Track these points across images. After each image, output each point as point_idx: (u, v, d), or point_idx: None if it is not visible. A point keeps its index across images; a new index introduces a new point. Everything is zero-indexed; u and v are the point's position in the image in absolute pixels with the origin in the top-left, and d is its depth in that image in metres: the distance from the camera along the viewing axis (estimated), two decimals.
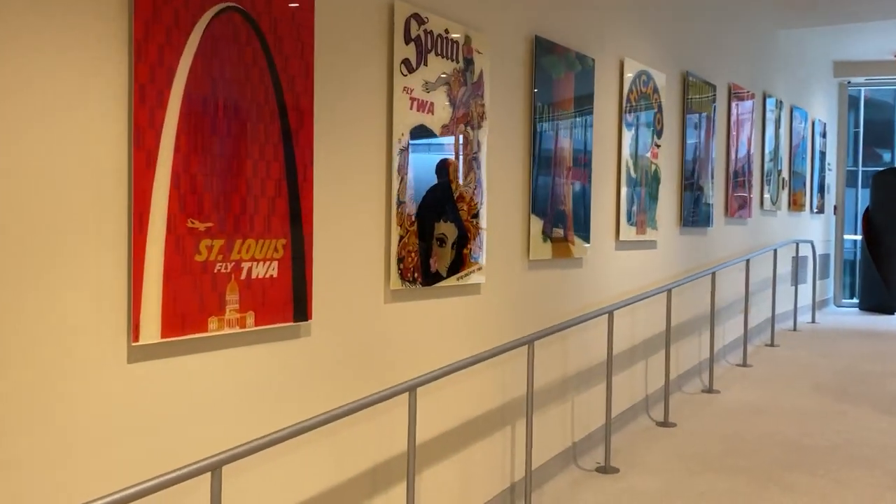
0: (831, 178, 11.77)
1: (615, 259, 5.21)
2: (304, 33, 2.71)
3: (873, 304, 11.49)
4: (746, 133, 7.81)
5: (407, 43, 3.22)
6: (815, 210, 10.76)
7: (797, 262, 9.63)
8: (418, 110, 3.30)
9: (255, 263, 2.55)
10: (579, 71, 4.59)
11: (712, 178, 6.85)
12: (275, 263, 2.62)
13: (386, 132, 3.16)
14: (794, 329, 9.30)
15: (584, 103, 4.67)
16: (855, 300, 12.36)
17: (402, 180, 3.22)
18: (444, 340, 3.54)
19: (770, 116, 8.56)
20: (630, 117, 5.27)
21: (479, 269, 3.74)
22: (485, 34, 3.71)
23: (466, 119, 3.60)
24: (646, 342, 5.72)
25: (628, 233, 5.33)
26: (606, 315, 4.69)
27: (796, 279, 9.53)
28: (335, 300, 2.92)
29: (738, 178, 7.56)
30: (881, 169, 12.87)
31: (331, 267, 2.89)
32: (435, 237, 3.43)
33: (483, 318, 3.82)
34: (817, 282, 10.55)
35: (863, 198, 12.71)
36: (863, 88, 12.58)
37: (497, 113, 3.87)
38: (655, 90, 5.63)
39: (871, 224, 11.60)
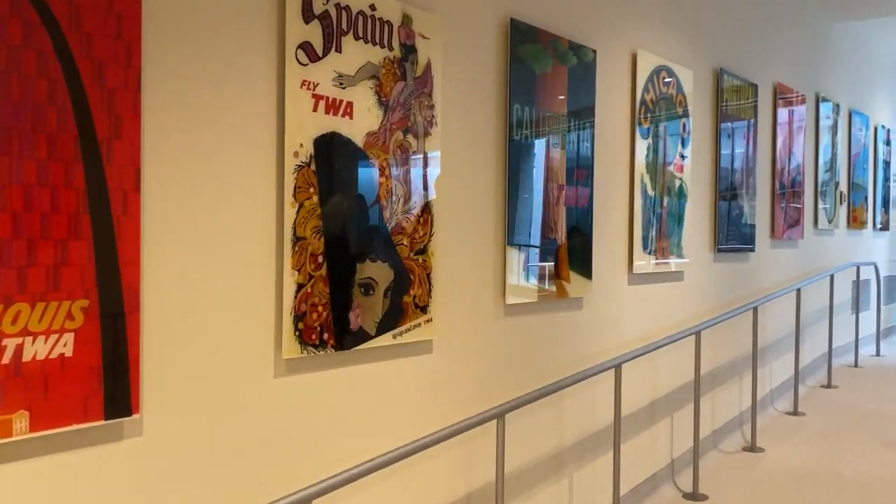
0: None
1: (628, 296, 4.32)
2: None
3: None
4: (797, 141, 6.84)
5: (307, 21, 2.41)
6: (879, 227, 9.66)
7: (858, 287, 8.56)
8: (329, 112, 2.48)
9: (28, 339, 1.75)
10: (575, 65, 3.73)
11: (755, 194, 5.91)
12: (67, 337, 1.81)
13: (276, 142, 2.35)
14: (856, 365, 8.23)
15: (581, 105, 3.81)
16: None
17: (303, 207, 2.39)
18: (370, 424, 2.70)
19: (825, 122, 7.56)
20: (646, 123, 4.39)
21: (429, 321, 2.89)
22: (434, 14, 2.89)
23: (406, 124, 2.77)
24: (670, 395, 4.80)
25: (645, 263, 4.43)
26: (613, 369, 3.80)
27: (857, 307, 8.46)
28: (185, 380, 2.10)
29: (786, 194, 6.59)
30: None
31: (178, 334, 2.08)
32: (357, 283, 2.59)
33: (434, 387, 2.97)
34: (882, 308, 9.44)
35: None
36: None
37: (455, 117, 3.04)
38: (679, 90, 4.73)
39: None
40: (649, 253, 4.46)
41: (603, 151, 4.02)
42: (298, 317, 2.38)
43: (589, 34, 3.88)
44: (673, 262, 4.72)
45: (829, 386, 7.25)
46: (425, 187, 2.86)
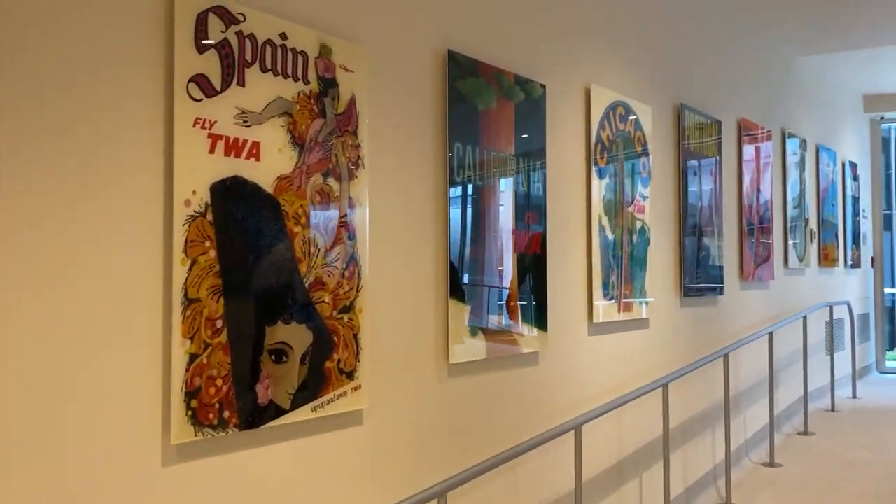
0: (866, 227, 10.54)
1: (589, 348, 4.02)
2: None
3: None
4: (764, 178, 6.65)
5: (201, 50, 2.11)
6: (850, 264, 9.51)
7: (832, 327, 8.35)
8: (229, 154, 2.18)
9: None
10: (522, 101, 3.47)
11: (722, 234, 5.68)
12: None
13: (163, 190, 2.03)
14: (832, 409, 7.98)
15: (531, 144, 3.55)
16: None
17: (196, 264, 2.07)
18: None
19: (792, 158, 7.41)
20: (603, 162, 4.13)
21: (357, 388, 2.57)
22: (358, 45, 2.61)
23: (326, 166, 2.47)
24: (638, 453, 4.48)
25: (607, 311, 4.14)
26: (573, 431, 3.49)
27: (832, 348, 8.24)
28: (56, 476, 1.75)
29: (755, 233, 6.38)
30: None
31: (39, 426, 1.74)
32: (267, 349, 2.27)
33: (365, 464, 2.63)
34: (856, 347, 9.24)
35: None
36: (893, 126, 11.41)
37: (386, 157, 2.75)
38: (638, 127, 4.50)
39: None
40: (610, 300, 4.18)
41: (556, 192, 3.75)
42: (191, 393, 2.05)
43: (537, 67, 3.63)
44: (637, 309, 4.44)
45: (805, 433, 6.98)
46: (351, 236, 2.55)
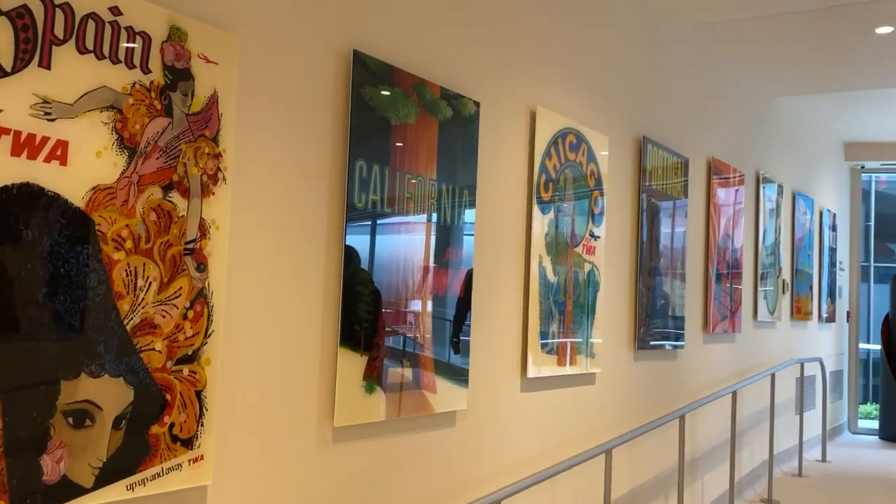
0: (843, 279, 10.17)
1: (521, 407, 3.53)
2: None
3: None
4: (734, 223, 6.23)
5: None
6: (825, 318, 9.11)
7: (802, 385, 7.92)
8: (17, 154, 1.68)
9: None
10: (449, 119, 3.02)
11: (684, 282, 5.23)
12: None
13: None
14: (800, 474, 7.51)
15: (458, 168, 3.08)
16: (873, 423, 10.59)
17: None
18: None
19: (767, 203, 7.01)
20: (547, 195, 3.68)
21: (196, 460, 2.06)
22: (226, 32, 2.14)
23: (168, 178, 1.98)
24: None
25: (544, 364, 3.66)
26: None
27: (801, 408, 7.80)
28: None
29: (721, 282, 5.94)
30: None
31: None
32: (62, 410, 1.76)
33: None
34: (829, 406, 8.79)
35: (876, 296, 11.12)
36: (873, 176, 11.08)
37: (260, 173, 2.27)
38: (591, 158, 4.05)
39: (891, 335, 9.94)
40: (549, 352, 3.70)
41: (488, 226, 3.28)
42: None
43: (470, 81, 3.18)
44: (582, 362, 3.97)
45: (769, 502, 6.49)
46: (200, 267, 2.06)
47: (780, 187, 7.39)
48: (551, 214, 3.70)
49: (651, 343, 4.77)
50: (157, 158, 1.95)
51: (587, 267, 4.02)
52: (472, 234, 3.16)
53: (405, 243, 2.81)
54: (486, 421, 3.28)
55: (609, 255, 4.27)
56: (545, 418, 3.71)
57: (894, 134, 9.54)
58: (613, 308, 4.35)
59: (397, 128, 2.76)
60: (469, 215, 3.13)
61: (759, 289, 6.81)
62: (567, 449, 3.82)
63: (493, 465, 3.31)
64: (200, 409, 2.07)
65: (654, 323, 4.80)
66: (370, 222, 2.65)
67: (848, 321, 10.53)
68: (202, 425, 2.07)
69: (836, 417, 9.78)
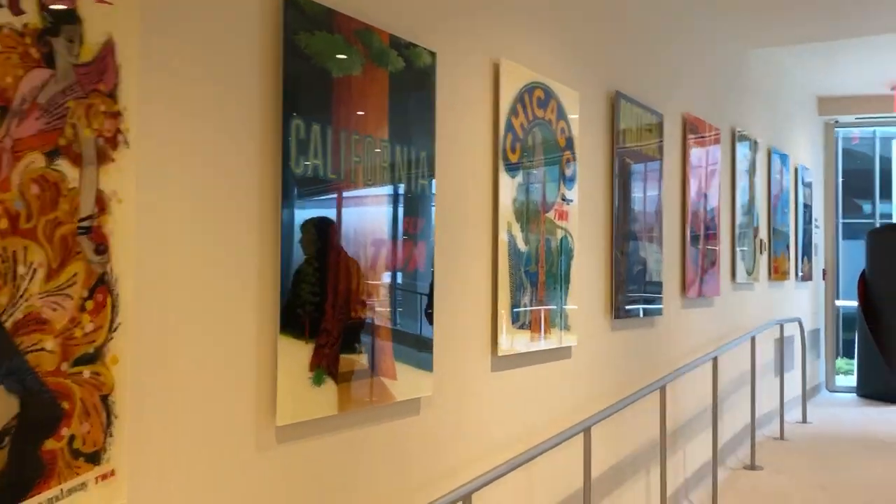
0: (818, 237, 9.99)
1: (492, 387, 3.24)
2: None
3: (875, 390, 9.61)
4: (709, 183, 5.96)
5: None
6: (801, 277, 8.93)
7: (782, 347, 7.73)
8: None
9: None
10: (401, 71, 2.68)
11: (661, 246, 4.96)
12: None
13: None
14: (782, 437, 7.35)
15: (414, 128, 2.75)
16: (851, 379, 10.50)
17: None
18: None
19: (742, 160, 6.75)
20: (514, 156, 3.36)
21: (107, 476, 1.74)
22: None
23: (54, 142, 1.63)
24: None
25: (516, 339, 3.37)
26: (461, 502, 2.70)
27: (782, 371, 7.62)
28: None
29: (699, 245, 5.69)
30: (871, 223, 11.19)
31: None
32: None
33: None
34: (807, 365, 8.63)
35: (846, 253, 10.98)
36: (840, 132, 10.79)
37: (173, 134, 1.92)
38: (561, 115, 3.74)
39: (868, 292, 9.80)
40: (521, 327, 3.40)
41: (450, 192, 2.96)
42: None
43: (425, 29, 2.84)
44: (557, 336, 3.68)
45: (752, 467, 6.31)
46: (99, 249, 1.72)
47: (756, 144, 7.14)
48: (520, 178, 3.39)
49: (629, 311, 4.50)
50: (37, 119, 1.60)
51: (560, 233, 3.72)
52: (433, 203, 2.84)
53: (355, 214, 2.48)
54: (455, 406, 2.99)
55: (582, 220, 3.98)
56: (519, 398, 3.43)
57: (868, 87, 9.32)
58: (588, 276, 4.06)
59: (340, 81, 2.41)
60: (427, 181, 2.81)
61: (737, 250, 6.57)
62: (544, 429, 3.54)
63: (464, 454, 3.02)
64: (108, 416, 1.74)
65: (631, 289, 4.53)
66: (310, 190, 2.32)
67: (824, 279, 10.39)
68: (111, 436, 1.74)
69: (813, 377, 9.66)
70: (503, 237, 3.26)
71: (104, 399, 1.73)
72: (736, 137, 6.60)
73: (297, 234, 2.26)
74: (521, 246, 3.40)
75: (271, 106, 2.19)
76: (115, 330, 1.75)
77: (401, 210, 2.68)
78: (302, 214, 2.28)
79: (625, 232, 4.46)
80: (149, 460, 1.85)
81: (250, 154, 2.13)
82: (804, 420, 8.16)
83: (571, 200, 3.82)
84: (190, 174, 1.96)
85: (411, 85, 2.73)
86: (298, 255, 2.26)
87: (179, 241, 1.93)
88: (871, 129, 11.71)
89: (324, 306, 2.34)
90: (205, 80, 2.00)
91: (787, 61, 8.03)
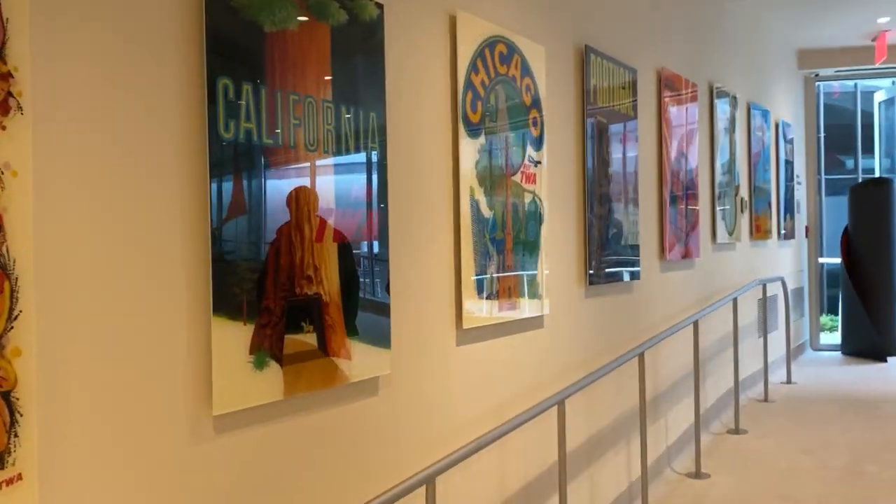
0: (800, 194, 9.89)
1: (457, 362, 3.09)
2: None
3: (860, 348, 9.58)
4: (688, 140, 5.81)
5: None
6: (784, 235, 8.83)
7: (765, 307, 7.65)
8: None
9: None
10: (344, 24, 2.48)
11: (636, 208, 4.81)
12: None
13: None
14: (766, 399, 7.29)
15: (359, 87, 2.56)
16: (836, 336, 10.48)
17: None
18: None
19: (722, 116, 6.59)
20: (476, 117, 3.18)
21: (12, 481, 1.57)
22: None
23: None
24: (529, 488, 3.60)
25: (483, 312, 3.22)
26: (424, 487, 2.56)
27: (765, 331, 7.54)
28: None
29: (678, 206, 5.54)
30: (854, 179, 11.10)
31: None
32: None
33: None
34: (791, 326, 8.56)
35: (829, 209, 10.90)
36: (821, 86, 10.65)
37: (73, 98, 1.73)
38: (526, 72, 3.55)
39: (851, 248, 9.73)
40: (488, 297, 3.25)
41: (404, 156, 2.78)
42: None
43: None
44: (526, 305, 3.53)
45: (736, 431, 6.24)
46: None
47: (734, 99, 6.98)
48: (482, 139, 3.21)
49: (605, 276, 4.36)
50: None
51: (528, 197, 3.55)
52: (385, 167, 2.66)
53: (297, 182, 2.30)
54: (417, 384, 2.84)
55: (553, 182, 3.81)
56: (488, 372, 3.28)
57: (848, 39, 9.16)
58: (560, 241, 3.91)
59: (273, 36, 2.22)
60: (378, 144, 2.62)
61: (717, 209, 6.44)
62: (516, 404, 3.40)
63: (429, 435, 2.88)
64: (11, 415, 1.57)
65: (607, 254, 4.38)
66: (242, 156, 2.13)
67: (807, 237, 10.31)
68: (16, 436, 1.58)
69: (797, 336, 9.61)
70: (465, 203, 3.09)
71: (6, 396, 1.56)
72: (714, 93, 6.43)
73: (231, 204, 2.08)
74: (486, 212, 3.23)
75: (193, 64, 2.00)
76: (14, 319, 1.57)
77: (349, 175, 2.51)
78: (231, 184, 2.09)
79: (599, 195, 4.30)
80: (64, 461, 1.68)
81: (170, 117, 1.94)
82: (789, 381, 8.11)
83: (539, 162, 3.65)
84: (98, 142, 1.77)
85: (357, 40, 2.54)
86: (232, 229, 2.08)
87: (88, 218, 1.75)
88: (852, 82, 11.58)
89: (264, 283, 2.17)
90: (113, 36, 1.80)
91: (765, 14, 7.85)
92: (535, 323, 3.66)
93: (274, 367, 2.20)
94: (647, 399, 4.50)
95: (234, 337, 2.08)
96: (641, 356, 4.37)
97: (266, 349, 2.17)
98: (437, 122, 2.98)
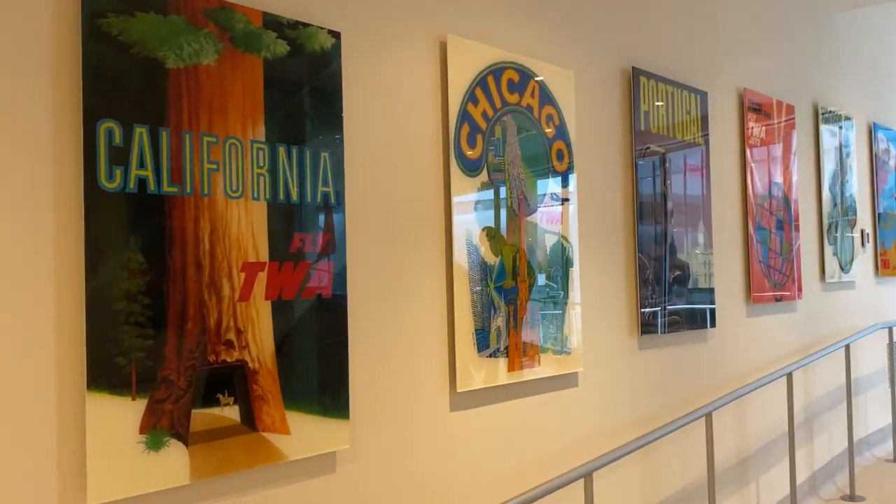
0: None
1: (453, 431, 2.74)
2: None
3: None
4: (785, 167, 5.21)
5: None
6: None
7: (893, 352, 6.79)
8: None
9: None
10: (283, 56, 2.23)
11: (707, 245, 4.29)
12: None
13: None
14: (895, 459, 6.43)
15: (304, 125, 2.29)
16: None
17: None
18: None
19: (829, 138, 5.92)
20: (474, 151, 2.84)
21: None
22: None
23: None
24: None
25: (485, 373, 2.85)
26: None
27: (893, 380, 6.68)
28: None
29: (768, 242, 4.95)
30: None
31: None
32: None
33: None
34: None
35: None
36: None
37: None
38: (547, 99, 3.19)
39: None
40: (493, 355, 2.88)
41: (373, 198, 2.48)
42: None
43: (323, 4, 2.37)
44: (549, 362, 3.13)
45: (851, 498, 5.49)
46: None
47: (850, 120, 6.27)
48: (483, 175, 2.87)
49: (666, 325, 3.88)
50: None
51: (550, 239, 3.17)
52: (343, 208, 2.37)
53: (215, 233, 2.05)
54: (394, 459, 2.51)
55: (588, 221, 3.41)
56: (496, 440, 2.91)
57: None
58: (600, 286, 3.49)
59: (180, 73, 1.99)
60: (334, 187, 2.35)
61: (826, 242, 5.76)
62: (531, 477, 3.01)
63: None
64: None
65: (668, 299, 3.90)
66: (139, 207, 1.90)
67: None
68: None
69: None
70: (460, 248, 2.76)
71: None
72: (820, 114, 5.78)
73: (115, 263, 1.85)
74: (489, 258, 2.88)
75: (70, 106, 1.79)
76: None
77: (288, 223, 2.23)
78: (121, 238, 1.86)
79: (654, 233, 3.84)
80: None
81: (40, 167, 1.73)
82: None
83: (567, 200, 3.26)
84: None
85: (302, 73, 2.28)
86: (116, 291, 1.84)
87: None
88: None
89: (162, 351, 1.92)
90: None
91: (887, 22, 7.08)
92: (563, 381, 3.25)
93: (176, 446, 1.94)
94: (730, 462, 3.96)
95: (118, 415, 1.83)
96: (709, 416, 3.84)
97: (163, 427, 1.92)
98: (421, 159, 2.67)
